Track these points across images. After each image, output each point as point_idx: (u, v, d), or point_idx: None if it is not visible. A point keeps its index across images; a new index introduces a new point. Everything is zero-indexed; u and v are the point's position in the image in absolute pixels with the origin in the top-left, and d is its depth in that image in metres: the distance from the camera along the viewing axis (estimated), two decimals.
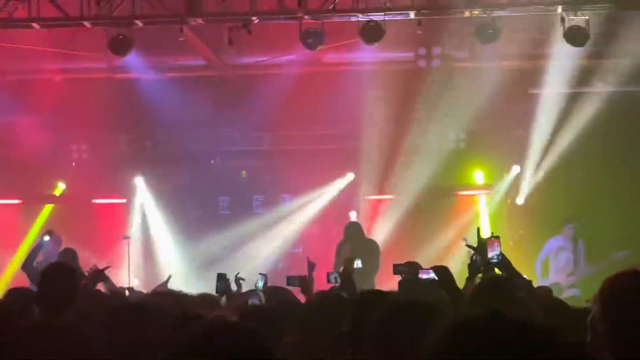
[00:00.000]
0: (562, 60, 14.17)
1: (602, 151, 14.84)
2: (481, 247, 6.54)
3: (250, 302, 7.59)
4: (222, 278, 8.45)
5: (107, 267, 8.56)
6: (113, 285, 9.40)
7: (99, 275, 8.21)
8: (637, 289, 3.36)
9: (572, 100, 15.03)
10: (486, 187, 15.92)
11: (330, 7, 11.92)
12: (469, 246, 6.73)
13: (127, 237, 14.96)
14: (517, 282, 6.31)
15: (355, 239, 13.07)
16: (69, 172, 16.24)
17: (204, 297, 7.11)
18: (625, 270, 3.47)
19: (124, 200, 16.41)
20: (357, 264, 9.96)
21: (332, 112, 15.24)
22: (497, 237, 6.43)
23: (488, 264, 6.35)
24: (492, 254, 6.35)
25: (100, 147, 16.13)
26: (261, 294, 8.03)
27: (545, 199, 15.17)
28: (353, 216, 14.99)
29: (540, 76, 14.74)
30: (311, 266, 8.89)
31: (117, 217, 16.24)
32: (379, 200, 15.67)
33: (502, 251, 6.39)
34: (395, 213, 15.60)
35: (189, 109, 15.36)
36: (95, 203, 16.29)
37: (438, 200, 15.88)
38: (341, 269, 9.36)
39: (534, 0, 11.99)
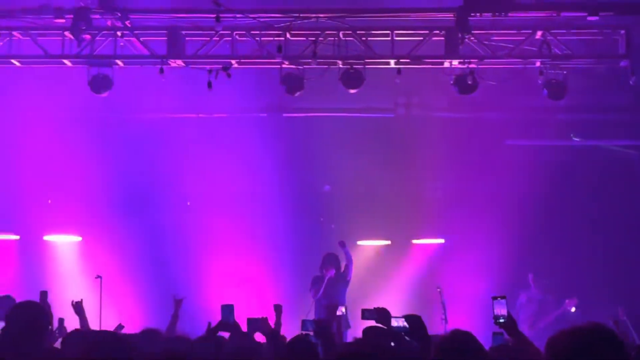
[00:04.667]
0: (539, 113, 14.27)
1: (578, 202, 14.92)
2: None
3: None
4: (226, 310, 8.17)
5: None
6: (85, 320, 9.25)
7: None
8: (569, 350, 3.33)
9: (549, 153, 15.13)
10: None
11: (311, 53, 11.97)
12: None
13: (98, 277, 14.79)
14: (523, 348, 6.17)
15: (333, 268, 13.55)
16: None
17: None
18: (571, 329, 3.39)
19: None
20: (341, 310, 9.82)
21: (306, 159, 15.21)
22: (504, 297, 6.25)
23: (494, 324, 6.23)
24: (498, 313, 6.20)
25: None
26: None
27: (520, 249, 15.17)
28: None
29: (517, 128, 14.84)
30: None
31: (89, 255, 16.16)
32: (355, 247, 15.60)
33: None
34: (369, 259, 15.59)
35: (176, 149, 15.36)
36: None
37: (414, 248, 15.89)
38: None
39: (512, 52, 12.09)
